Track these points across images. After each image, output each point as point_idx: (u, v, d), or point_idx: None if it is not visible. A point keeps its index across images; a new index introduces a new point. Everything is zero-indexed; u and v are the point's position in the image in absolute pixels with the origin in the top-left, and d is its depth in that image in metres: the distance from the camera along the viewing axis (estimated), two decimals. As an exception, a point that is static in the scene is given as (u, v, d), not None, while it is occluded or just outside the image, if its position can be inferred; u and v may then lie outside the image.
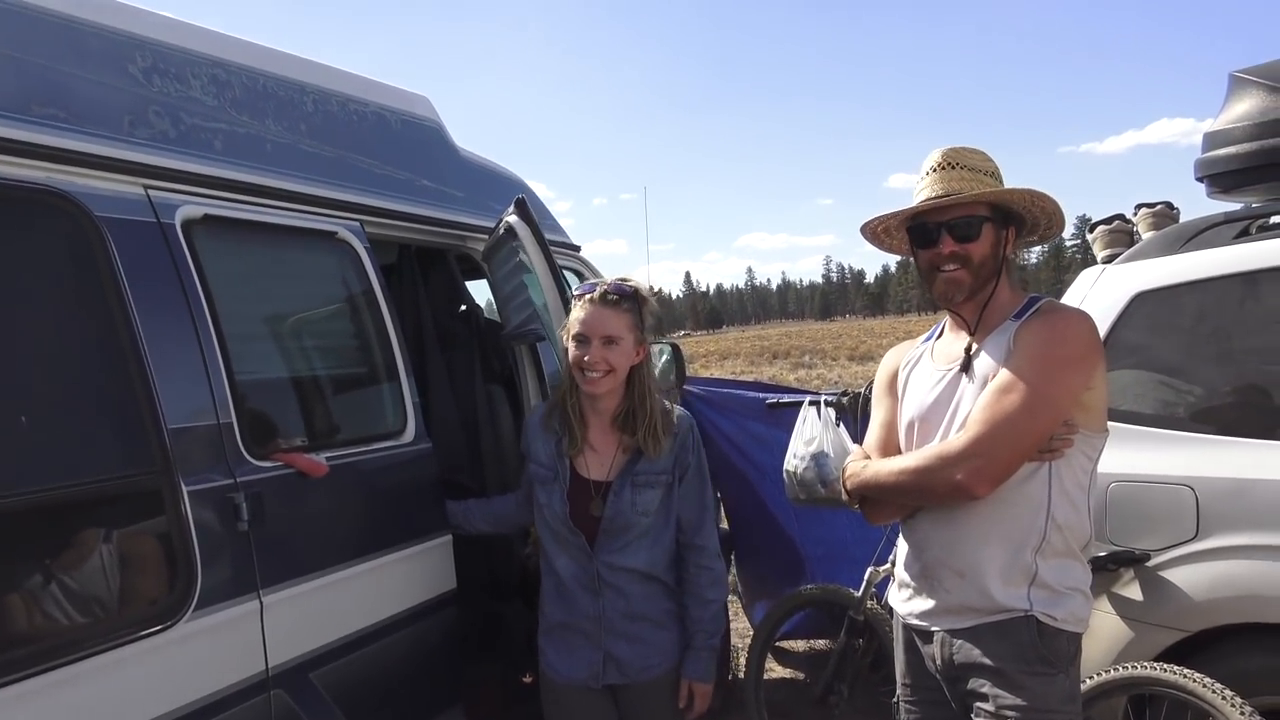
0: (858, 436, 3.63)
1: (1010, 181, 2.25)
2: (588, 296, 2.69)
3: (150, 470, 2.17)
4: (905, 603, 2.36)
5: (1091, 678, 2.89)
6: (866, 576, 3.89)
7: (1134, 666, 2.85)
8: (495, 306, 3.97)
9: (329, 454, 2.65)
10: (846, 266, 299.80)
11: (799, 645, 5.58)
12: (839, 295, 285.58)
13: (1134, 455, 3.01)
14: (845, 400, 4.27)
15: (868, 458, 2.39)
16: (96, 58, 2.36)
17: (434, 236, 3.68)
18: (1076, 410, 2.11)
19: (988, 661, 2.14)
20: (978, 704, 2.17)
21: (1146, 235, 3.44)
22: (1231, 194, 3.38)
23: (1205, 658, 2.83)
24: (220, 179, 2.61)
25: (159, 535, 2.19)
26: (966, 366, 2.22)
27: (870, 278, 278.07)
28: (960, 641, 2.20)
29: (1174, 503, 2.92)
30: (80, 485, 2.06)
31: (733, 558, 5.31)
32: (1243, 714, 2.60)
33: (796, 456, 4.08)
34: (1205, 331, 3.13)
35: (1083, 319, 2.17)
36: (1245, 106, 3.20)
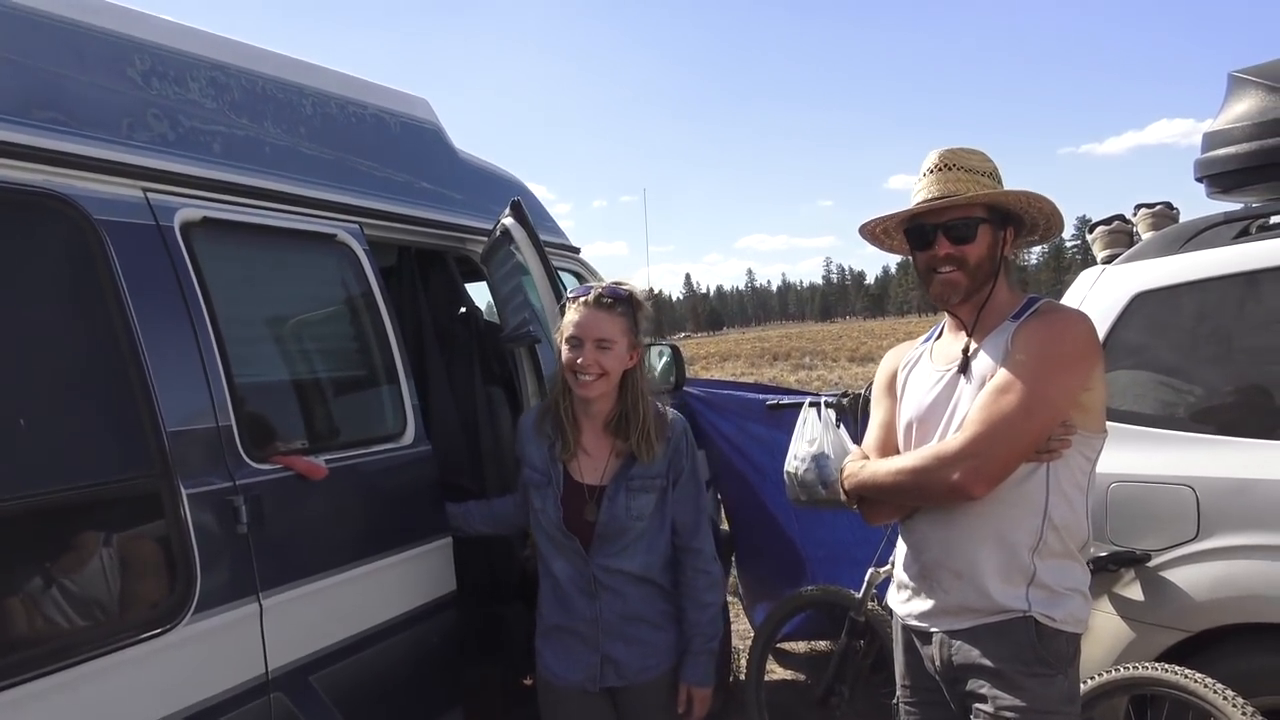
0: (858, 437, 3.63)
1: (1009, 183, 2.25)
2: (582, 299, 2.68)
3: (149, 473, 2.17)
4: (904, 604, 2.36)
5: (1093, 678, 2.89)
6: (867, 578, 3.89)
7: (1135, 667, 2.85)
8: (494, 308, 3.97)
9: (328, 456, 2.64)
10: (847, 268, 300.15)
11: (800, 647, 5.58)
12: (839, 296, 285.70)
13: (1134, 455, 3.01)
14: (845, 401, 4.28)
15: (866, 458, 2.39)
16: (95, 61, 2.36)
17: (433, 239, 3.68)
18: (1074, 411, 2.11)
19: (986, 662, 2.14)
20: (977, 705, 2.16)
21: (1146, 235, 3.44)
22: (1231, 194, 3.38)
23: (1206, 658, 2.83)
24: (219, 181, 2.61)
25: (158, 538, 2.18)
26: (964, 367, 2.22)
27: (870, 279, 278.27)
28: (959, 642, 2.20)
29: (1175, 503, 2.91)
30: (79, 488, 2.06)
31: (733, 559, 5.31)
32: (1244, 714, 2.59)
33: (797, 458, 4.09)
34: (1205, 331, 3.13)
35: (1081, 320, 2.17)
36: (1244, 106, 3.20)
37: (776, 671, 5.26)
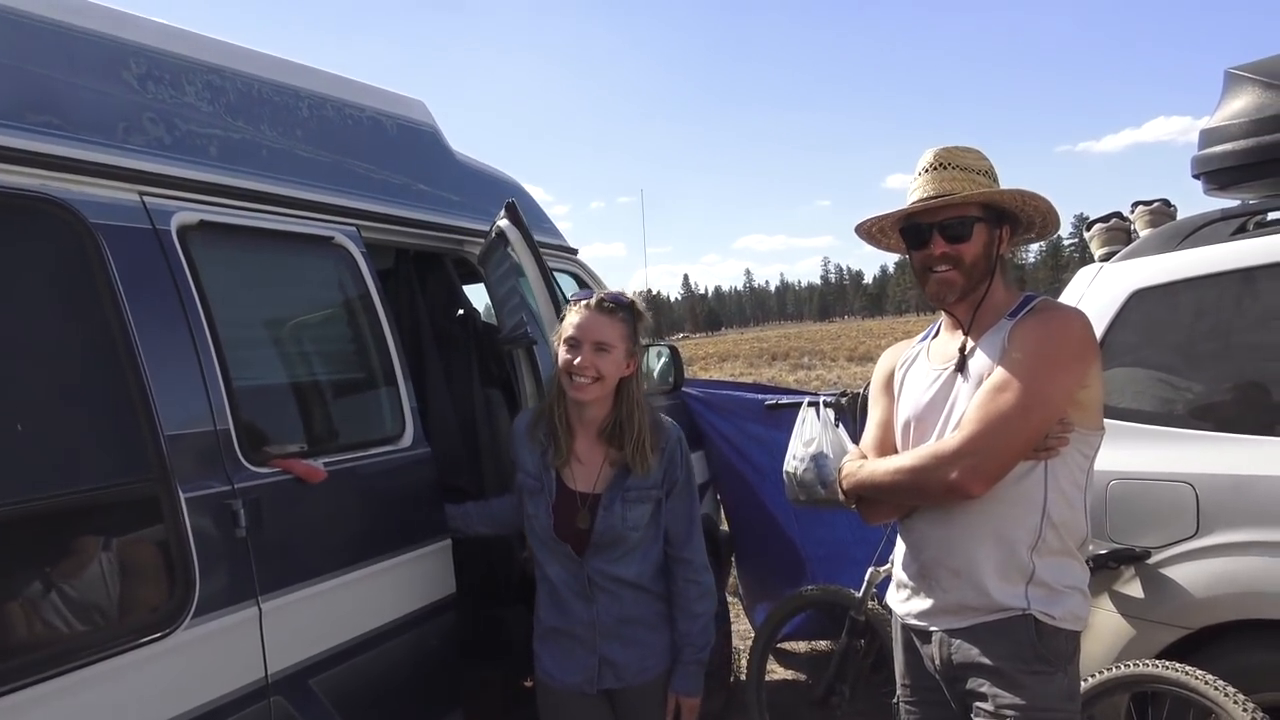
0: (856, 437, 3.63)
1: (1006, 180, 2.25)
2: (584, 302, 2.68)
3: (147, 477, 2.16)
4: (903, 603, 2.35)
5: (1093, 676, 2.89)
6: (867, 577, 3.89)
7: (1136, 664, 2.85)
8: (492, 310, 3.97)
9: (327, 459, 2.64)
10: (845, 267, 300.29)
11: (800, 647, 5.58)
12: (837, 296, 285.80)
13: (1133, 453, 3.01)
14: (844, 401, 4.28)
15: (864, 457, 2.39)
16: (91, 65, 2.36)
17: (431, 241, 3.68)
18: (1072, 409, 2.11)
19: (986, 661, 2.14)
20: (977, 704, 2.16)
21: (1143, 233, 3.44)
22: (1228, 191, 3.38)
23: (1207, 655, 2.83)
24: (216, 185, 2.60)
25: (157, 542, 2.18)
26: (961, 366, 2.22)
27: (869, 278, 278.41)
28: (958, 641, 2.19)
29: (1174, 500, 2.92)
30: (77, 493, 2.05)
31: (733, 559, 5.32)
32: (1245, 710, 2.59)
33: (796, 458, 4.09)
34: (1203, 328, 3.13)
35: (1078, 317, 2.17)
36: (1241, 103, 3.20)
37: (777, 671, 5.26)
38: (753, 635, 4.76)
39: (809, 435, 4.10)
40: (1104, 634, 3.03)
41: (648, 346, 4.69)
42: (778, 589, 4.80)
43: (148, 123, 2.46)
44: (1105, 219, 3.63)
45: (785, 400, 4.71)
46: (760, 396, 4.89)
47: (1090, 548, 2.94)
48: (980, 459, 2.05)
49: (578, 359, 2.60)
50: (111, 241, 2.23)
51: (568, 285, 4.63)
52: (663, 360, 5.01)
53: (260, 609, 2.36)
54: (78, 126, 2.26)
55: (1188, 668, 2.74)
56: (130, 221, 2.32)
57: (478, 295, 4.50)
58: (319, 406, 2.96)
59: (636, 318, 2.72)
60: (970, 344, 2.23)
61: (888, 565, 3.77)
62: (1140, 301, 3.17)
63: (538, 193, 4.36)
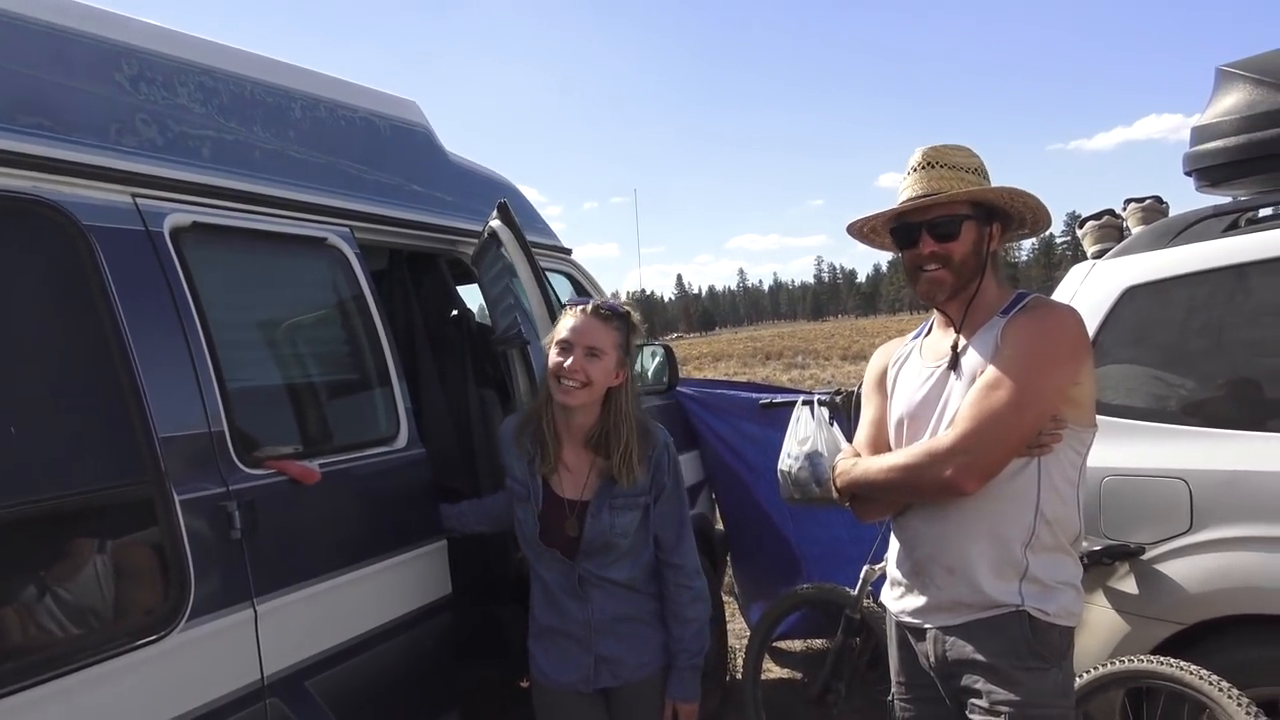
0: (851, 435, 3.64)
1: (997, 178, 2.26)
2: (580, 307, 2.68)
3: (141, 480, 2.15)
4: (897, 600, 2.36)
5: (1088, 672, 2.90)
6: (862, 575, 3.89)
7: (1131, 660, 2.86)
8: (486, 311, 3.97)
9: (321, 461, 2.63)
10: (838, 266, 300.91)
11: (796, 645, 5.58)
12: (831, 295, 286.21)
13: (1127, 449, 3.02)
14: (838, 399, 4.28)
15: (858, 455, 2.40)
16: (83, 66, 2.35)
17: (424, 241, 3.67)
18: (1065, 405, 2.11)
19: (981, 657, 2.14)
20: (972, 700, 2.17)
21: (1136, 230, 3.45)
22: (1220, 187, 3.39)
23: (1201, 650, 2.84)
24: (209, 186, 2.60)
25: (151, 545, 2.17)
26: (954, 364, 2.22)
27: (862, 277, 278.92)
28: (953, 638, 2.20)
29: (1168, 496, 2.92)
30: (71, 496, 2.05)
31: (729, 558, 5.32)
32: (1239, 705, 2.60)
33: (791, 456, 4.09)
34: (1196, 325, 3.14)
35: (1070, 314, 2.17)
36: (1232, 100, 3.21)
37: (773, 670, 5.26)
38: (748, 634, 4.76)
39: (803, 434, 4.11)
40: (1099, 630, 3.04)
41: (642, 346, 4.70)
42: (773, 588, 4.80)
43: (140, 124, 2.46)
44: (1098, 216, 3.64)
45: (780, 399, 4.71)
46: (755, 395, 4.90)
47: (1084, 544, 2.95)
48: (974, 456, 2.06)
49: (568, 362, 2.59)
50: (104, 243, 2.22)
51: (561, 285, 4.63)
52: (657, 360, 5.02)
53: (256, 611, 2.36)
54: (70, 128, 2.26)
55: (1182, 663, 2.74)
56: (123, 223, 2.32)
57: (471, 296, 4.50)
58: (313, 408, 2.95)
59: (631, 328, 2.71)
60: (962, 342, 2.24)
61: (883, 563, 3.76)
62: (1133, 298, 3.18)
63: (531, 193, 4.36)
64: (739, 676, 4.60)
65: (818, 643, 5.40)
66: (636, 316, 2.75)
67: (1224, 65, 3.31)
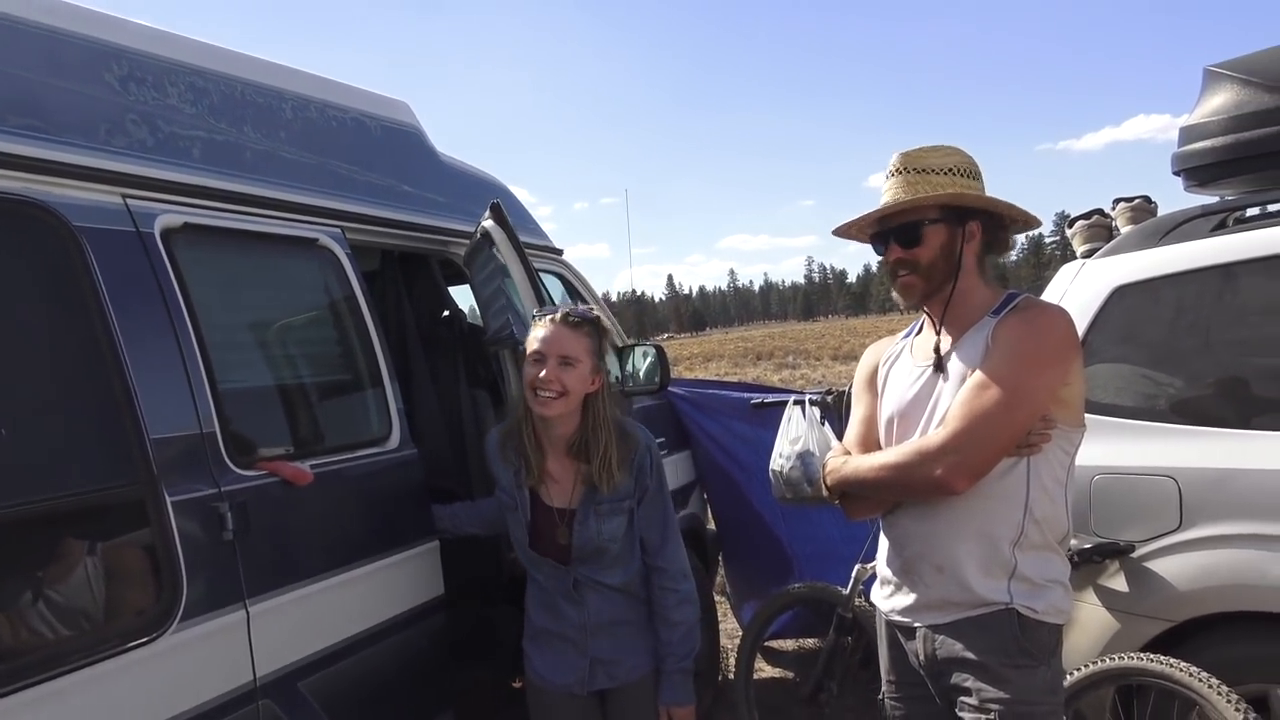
0: (842, 435, 3.65)
1: (986, 178, 2.27)
2: (549, 317, 2.67)
3: (133, 481, 2.15)
4: (887, 599, 2.37)
5: (1079, 669, 2.92)
6: (854, 574, 3.90)
7: (1121, 657, 2.87)
8: (478, 311, 3.96)
9: (314, 462, 2.63)
10: (828, 267, 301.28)
11: (788, 644, 5.59)
12: (821, 295, 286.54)
13: (1117, 447, 3.03)
14: (830, 399, 4.29)
15: (848, 453, 2.40)
16: (73, 67, 2.34)
17: (416, 242, 3.67)
18: (1054, 406, 2.12)
19: (970, 656, 2.15)
20: (961, 698, 2.18)
21: (1125, 229, 3.47)
22: (1208, 187, 3.41)
23: (1191, 647, 2.85)
24: (199, 187, 2.59)
25: (143, 546, 2.17)
26: (938, 365, 2.24)
27: (852, 277, 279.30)
28: (942, 637, 2.21)
29: (1157, 494, 2.94)
30: (62, 497, 2.04)
31: (720, 558, 5.33)
32: (1229, 702, 2.62)
33: (782, 456, 4.09)
34: (1185, 323, 3.16)
35: (1060, 315, 2.18)
36: (1220, 100, 3.23)
37: (765, 669, 5.27)
38: (741, 633, 4.77)
39: (795, 433, 4.11)
40: (1089, 628, 3.05)
41: (633, 346, 4.70)
42: (765, 587, 4.81)
43: (130, 125, 2.45)
44: (1087, 216, 3.65)
45: (771, 399, 4.72)
46: (746, 395, 4.90)
47: (1075, 542, 2.97)
48: (964, 456, 2.07)
49: (542, 373, 2.58)
50: (95, 244, 2.21)
51: (553, 286, 4.62)
52: (648, 360, 5.01)
53: (248, 612, 2.36)
54: (60, 129, 2.25)
55: (1172, 660, 2.76)
56: (114, 224, 2.31)
57: (463, 296, 4.50)
58: (305, 409, 2.95)
59: (602, 333, 2.71)
60: (945, 343, 2.25)
61: (874, 562, 3.78)
62: (1122, 297, 3.19)
63: (521, 194, 4.36)
64: (731, 676, 4.61)
65: (810, 642, 5.41)
66: (606, 320, 2.74)
67: (1212, 66, 3.32)
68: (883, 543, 2.40)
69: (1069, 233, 3.71)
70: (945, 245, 2.21)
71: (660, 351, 5.01)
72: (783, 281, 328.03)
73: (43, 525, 2.01)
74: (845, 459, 2.38)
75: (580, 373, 2.61)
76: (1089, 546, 3.01)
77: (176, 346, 2.33)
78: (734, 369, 35.25)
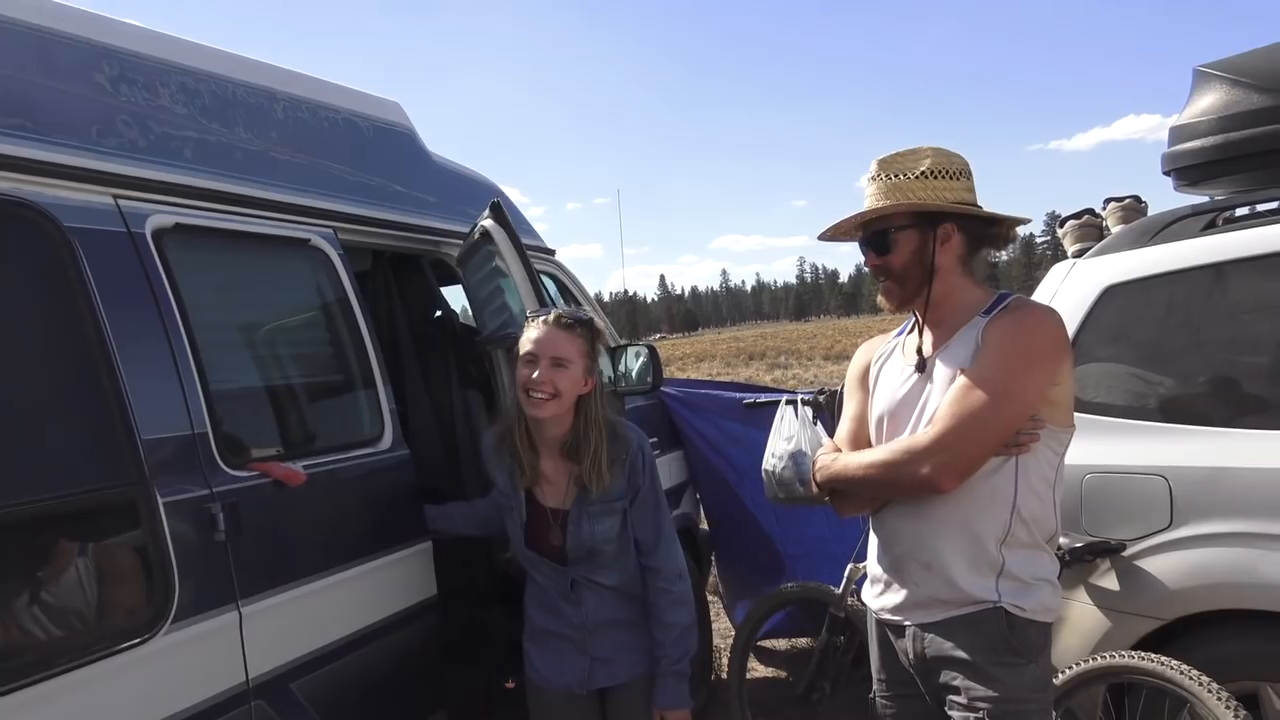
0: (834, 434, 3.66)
1: (977, 180, 2.27)
2: (541, 319, 2.67)
3: (125, 482, 2.14)
4: (876, 597, 2.37)
5: (1070, 667, 2.92)
6: (846, 573, 3.91)
7: (1112, 656, 2.88)
8: (470, 312, 3.96)
9: (306, 462, 2.63)
10: (820, 267, 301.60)
11: (781, 644, 5.60)
12: (813, 295, 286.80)
13: (1107, 446, 3.04)
14: (822, 399, 4.29)
15: (839, 451, 2.41)
16: (63, 67, 2.34)
17: (408, 242, 3.67)
18: (1043, 406, 2.13)
19: (959, 654, 2.15)
20: (950, 696, 2.18)
21: (1116, 229, 3.48)
22: (1198, 187, 3.42)
23: (1182, 645, 2.86)
24: (191, 187, 2.59)
25: (135, 547, 2.17)
26: (921, 366, 2.25)
27: (844, 277, 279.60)
28: (931, 635, 2.21)
29: (1148, 493, 2.95)
30: (54, 498, 2.03)
31: (713, 558, 5.33)
32: (1219, 699, 2.63)
33: (775, 456, 4.08)
34: (1175, 323, 3.16)
35: (1050, 315, 2.19)
36: (1210, 101, 3.24)
37: (758, 669, 5.28)
38: (733, 633, 4.77)
39: (787, 433, 4.10)
40: (1081, 626, 3.06)
41: (626, 346, 4.71)
42: (758, 587, 4.81)
43: (121, 125, 2.45)
44: (1078, 216, 3.67)
45: (763, 399, 4.72)
46: (738, 395, 4.91)
47: (1065, 541, 2.98)
48: (951, 455, 2.07)
49: (535, 374, 2.58)
50: (86, 245, 2.21)
51: (547, 286, 4.62)
52: (641, 360, 5.02)
53: (240, 613, 2.35)
54: (50, 129, 2.24)
55: (1163, 658, 2.77)
56: (105, 225, 2.31)
57: (455, 297, 4.50)
58: (297, 409, 2.95)
59: (595, 334, 2.71)
60: (928, 344, 2.27)
61: (866, 561, 3.78)
62: (1113, 297, 3.20)
63: (513, 194, 4.36)
64: (724, 675, 4.61)
65: (803, 641, 5.42)
66: (599, 322, 2.74)
67: (1201, 66, 3.34)
68: (872, 541, 2.41)
69: (1060, 233, 3.72)
70: (917, 250, 2.23)
71: (653, 352, 5.02)
72: (775, 282, 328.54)
73: (34, 526, 2.00)
74: (835, 456, 2.38)
75: (573, 374, 2.61)
76: (1080, 545, 3.02)
77: (168, 347, 2.33)
78: (726, 369, 35.28)
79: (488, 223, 3.38)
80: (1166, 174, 3.44)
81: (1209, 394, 3.09)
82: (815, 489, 2.44)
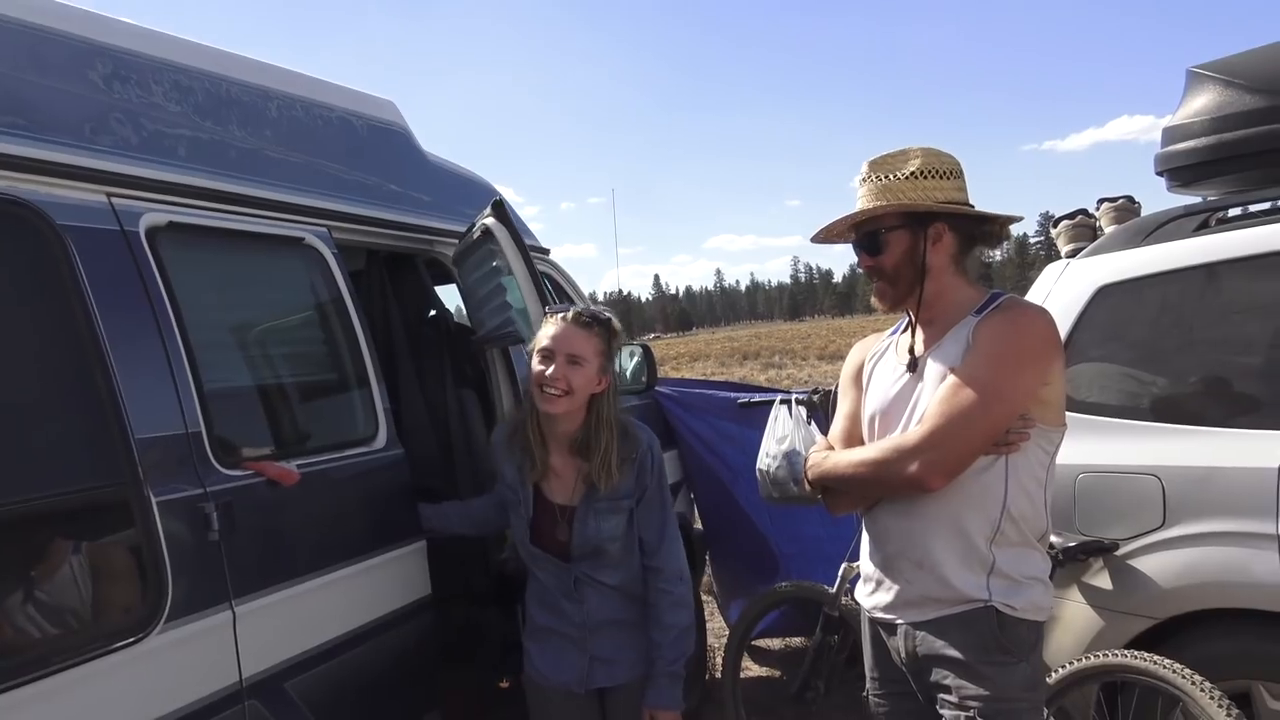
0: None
1: (970, 180, 2.28)
2: (560, 315, 2.67)
3: (118, 481, 2.14)
4: (869, 596, 2.38)
5: (1063, 666, 2.93)
6: (840, 572, 3.92)
7: (1105, 654, 2.89)
8: (465, 311, 3.96)
9: (300, 461, 2.62)
10: (815, 267, 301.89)
11: (775, 643, 5.60)
12: (807, 295, 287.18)
13: (1100, 446, 3.05)
14: (816, 398, 4.30)
15: (831, 449, 2.42)
16: (57, 65, 2.33)
17: (402, 241, 3.66)
18: (1034, 405, 2.13)
19: (950, 652, 2.16)
20: (942, 695, 2.19)
21: (1109, 229, 3.48)
22: (1191, 187, 3.43)
23: (1175, 644, 2.87)
24: (184, 186, 2.58)
25: (128, 547, 2.16)
26: (912, 366, 2.26)
27: (838, 277, 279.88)
28: (923, 633, 2.22)
29: (1141, 492, 2.96)
30: (47, 498, 2.03)
31: (707, 557, 5.33)
32: (1212, 698, 2.64)
33: (769, 455, 4.10)
34: (1168, 323, 3.17)
35: (1041, 315, 2.19)
36: (1202, 101, 3.25)
37: (752, 668, 5.28)
38: (727, 632, 4.78)
39: (782, 433, 4.12)
40: (1073, 625, 3.07)
41: (620, 346, 4.70)
42: (752, 586, 4.82)
43: (115, 123, 2.44)
44: (1071, 216, 3.67)
45: (758, 398, 4.73)
46: (733, 395, 4.91)
47: (1058, 540, 2.98)
48: (940, 453, 2.08)
49: (550, 370, 2.58)
50: (79, 243, 2.20)
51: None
52: (635, 360, 5.02)
53: (234, 612, 2.35)
54: (43, 127, 2.23)
55: (1156, 657, 2.78)
56: (98, 223, 2.30)
57: (449, 296, 4.49)
58: (291, 408, 2.94)
59: (612, 334, 2.71)
60: (920, 343, 2.28)
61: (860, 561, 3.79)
62: (1106, 297, 3.21)
63: (507, 193, 4.35)
64: (718, 675, 4.62)
65: (797, 641, 5.42)
66: (617, 322, 2.75)
67: (1194, 67, 3.34)
68: (864, 539, 2.41)
69: (1054, 233, 3.73)
70: (908, 251, 2.24)
71: (647, 351, 5.02)
72: (769, 281, 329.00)
73: (27, 526, 2.00)
74: (826, 454, 2.39)
75: (587, 372, 2.61)
76: (1073, 544, 3.02)
77: (162, 346, 2.32)
78: (721, 369, 35.29)
79: (489, 221, 3.37)
80: (1160, 174, 3.44)
81: (1202, 394, 3.10)
82: (807, 487, 2.44)
